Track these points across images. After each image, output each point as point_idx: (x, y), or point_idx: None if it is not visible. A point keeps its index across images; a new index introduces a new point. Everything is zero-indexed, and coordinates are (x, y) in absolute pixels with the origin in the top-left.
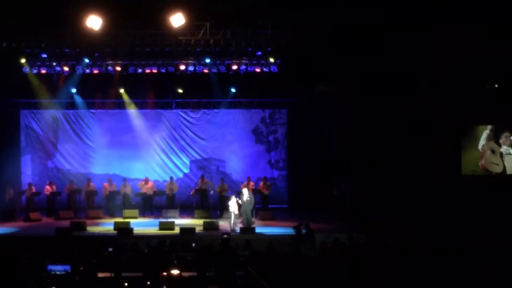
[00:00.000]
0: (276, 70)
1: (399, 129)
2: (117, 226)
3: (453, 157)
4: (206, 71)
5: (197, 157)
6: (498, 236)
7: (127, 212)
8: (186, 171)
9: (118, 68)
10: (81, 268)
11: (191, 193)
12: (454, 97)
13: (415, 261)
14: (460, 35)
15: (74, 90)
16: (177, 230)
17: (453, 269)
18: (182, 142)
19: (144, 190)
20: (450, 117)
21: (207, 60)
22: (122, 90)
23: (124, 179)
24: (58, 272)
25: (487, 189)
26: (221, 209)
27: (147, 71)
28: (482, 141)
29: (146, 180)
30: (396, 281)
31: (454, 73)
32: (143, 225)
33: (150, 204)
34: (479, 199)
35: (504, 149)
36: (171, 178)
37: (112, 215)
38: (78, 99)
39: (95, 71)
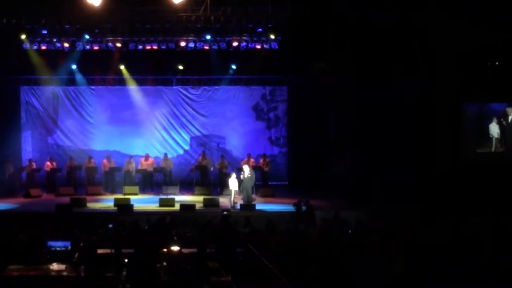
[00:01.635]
0: (277, 47)
1: (399, 107)
2: (117, 202)
3: (453, 136)
4: (206, 47)
5: (197, 133)
6: (497, 214)
7: (127, 188)
8: (186, 147)
9: (119, 45)
10: (81, 245)
11: (190, 169)
12: (452, 74)
13: (415, 240)
14: (458, 22)
15: (74, 67)
16: (177, 207)
17: (452, 248)
18: (183, 119)
19: (144, 167)
20: (448, 95)
21: (208, 37)
22: (122, 67)
23: (130, 156)
24: (58, 249)
25: (487, 168)
26: (221, 186)
27: (148, 47)
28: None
29: (147, 157)
30: (395, 259)
31: (452, 53)
32: (143, 202)
33: (150, 180)
34: (478, 178)
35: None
36: (165, 154)
37: (112, 191)
38: (78, 76)
39: (95, 48)
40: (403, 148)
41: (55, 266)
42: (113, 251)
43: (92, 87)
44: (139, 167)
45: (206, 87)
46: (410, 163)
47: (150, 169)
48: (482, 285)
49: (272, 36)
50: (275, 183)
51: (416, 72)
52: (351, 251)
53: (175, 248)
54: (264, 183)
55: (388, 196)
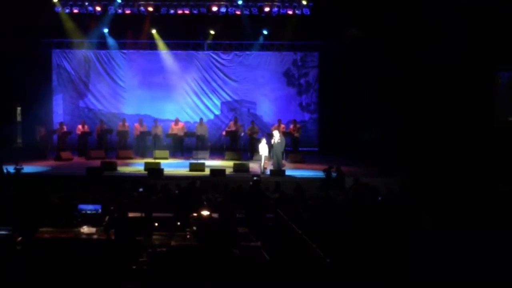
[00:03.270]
0: (309, 13)
1: (431, 75)
2: (147, 166)
3: (485, 103)
4: (238, 12)
5: (228, 99)
6: None
7: (157, 152)
8: (217, 112)
9: (150, 9)
10: (112, 208)
11: (223, 133)
12: (485, 42)
13: (442, 206)
14: None
15: (106, 30)
16: (207, 172)
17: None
18: (213, 84)
19: (174, 131)
20: (481, 62)
21: (240, 2)
22: (154, 31)
23: (155, 120)
24: (89, 212)
25: None
26: (252, 151)
27: (179, 12)
28: None
29: (177, 121)
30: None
31: (484, 18)
32: (174, 166)
33: (181, 145)
34: (510, 146)
35: None
36: (201, 119)
37: (142, 155)
38: (110, 39)
39: (127, 11)
40: (434, 115)
41: (85, 229)
42: (143, 214)
43: (124, 51)
44: (170, 132)
45: (237, 52)
46: (441, 130)
47: (181, 133)
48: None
49: (304, 2)
50: (305, 149)
51: (449, 39)
52: (380, 217)
53: (205, 212)
54: (294, 149)
55: (419, 163)
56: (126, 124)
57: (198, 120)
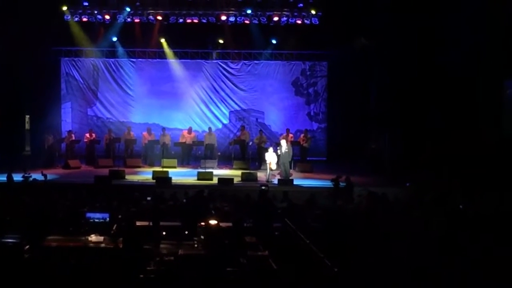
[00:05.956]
0: (317, 22)
1: (440, 84)
2: (155, 175)
3: (496, 113)
4: (247, 22)
5: (237, 108)
6: None
7: (166, 161)
8: (225, 121)
9: (159, 18)
10: (120, 217)
11: (229, 143)
12: (498, 51)
13: (454, 216)
14: None
15: (115, 39)
16: (215, 181)
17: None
18: (222, 93)
19: (188, 140)
20: (493, 73)
21: (248, 11)
22: (162, 40)
23: (163, 129)
24: (96, 220)
25: None
26: (260, 160)
27: (188, 21)
28: None
29: (190, 130)
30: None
31: (498, 27)
32: (182, 175)
33: (189, 154)
34: None
35: None
36: (210, 128)
37: (151, 164)
38: (119, 48)
39: (136, 20)
40: (444, 125)
41: (93, 238)
42: (151, 223)
43: (132, 59)
44: (181, 140)
45: (246, 62)
46: (450, 139)
47: (190, 142)
48: None
49: (313, 12)
50: (313, 158)
51: (459, 47)
52: (391, 227)
53: (213, 221)
54: (302, 158)
55: (428, 172)
56: (132, 133)
57: (206, 129)
